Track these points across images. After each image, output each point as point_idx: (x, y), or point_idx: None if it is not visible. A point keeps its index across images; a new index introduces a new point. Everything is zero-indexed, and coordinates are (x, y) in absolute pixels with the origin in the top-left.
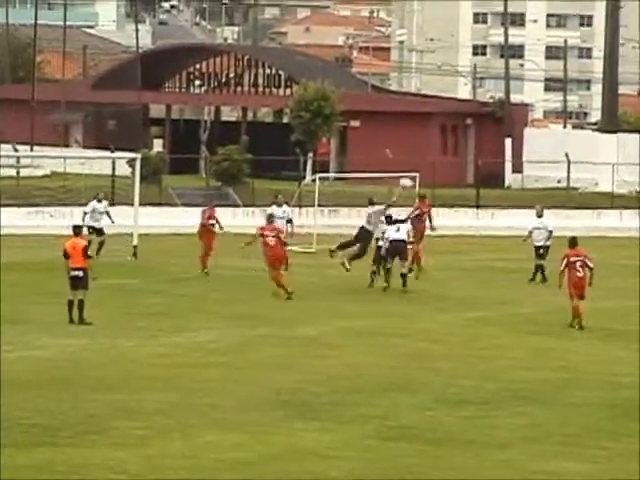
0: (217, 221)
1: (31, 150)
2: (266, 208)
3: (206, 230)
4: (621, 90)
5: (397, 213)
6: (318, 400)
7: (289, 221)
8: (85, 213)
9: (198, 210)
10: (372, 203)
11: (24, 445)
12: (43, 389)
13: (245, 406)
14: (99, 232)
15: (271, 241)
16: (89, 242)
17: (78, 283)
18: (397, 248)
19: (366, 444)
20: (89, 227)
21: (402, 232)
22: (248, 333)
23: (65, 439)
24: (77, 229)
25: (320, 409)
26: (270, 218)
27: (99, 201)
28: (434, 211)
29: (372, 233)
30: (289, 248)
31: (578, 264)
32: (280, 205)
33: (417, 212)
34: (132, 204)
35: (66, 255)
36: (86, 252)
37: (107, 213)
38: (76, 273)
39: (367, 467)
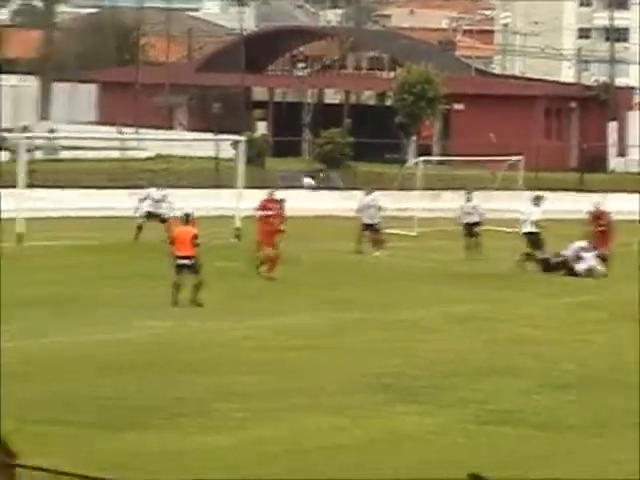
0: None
1: (136, 132)
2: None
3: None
4: None
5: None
6: (418, 384)
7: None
8: (142, 199)
9: (301, 192)
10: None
11: (118, 428)
12: (136, 372)
13: (345, 390)
14: (161, 219)
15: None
16: (139, 227)
17: (185, 270)
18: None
19: (467, 428)
20: (148, 213)
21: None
22: (348, 317)
23: (161, 421)
24: (187, 217)
25: (420, 393)
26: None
27: (158, 189)
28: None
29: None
30: (392, 231)
31: None
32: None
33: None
34: (235, 186)
35: (172, 241)
36: (195, 240)
37: (164, 199)
38: (183, 262)
39: (468, 451)
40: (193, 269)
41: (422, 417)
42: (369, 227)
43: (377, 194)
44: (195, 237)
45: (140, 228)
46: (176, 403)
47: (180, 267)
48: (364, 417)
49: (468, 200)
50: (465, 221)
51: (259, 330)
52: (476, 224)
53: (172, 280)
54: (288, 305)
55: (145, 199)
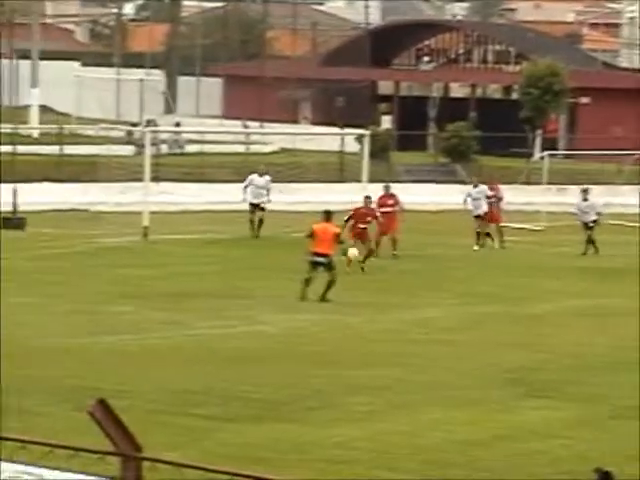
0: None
1: (261, 126)
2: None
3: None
4: None
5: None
6: (545, 378)
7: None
8: (245, 186)
9: (426, 186)
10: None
11: (249, 420)
12: (268, 364)
13: (471, 384)
14: (260, 208)
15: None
16: (251, 221)
17: (319, 268)
18: None
19: (594, 422)
20: (250, 203)
21: None
22: (474, 310)
23: (290, 414)
24: (328, 214)
25: (547, 387)
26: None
27: (260, 175)
28: None
29: None
30: (518, 225)
31: None
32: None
33: None
34: (360, 180)
35: (310, 236)
36: (338, 238)
37: (267, 190)
38: (319, 259)
39: (596, 446)
40: (328, 267)
41: (550, 411)
42: (477, 217)
43: (484, 187)
44: (338, 235)
45: (252, 222)
46: (305, 396)
47: (315, 264)
48: (490, 411)
49: (584, 199)
50: (582, 220)
51: (388, 324)
52: (594, 222)
53: (304, 275)
54: (417, 299)
55: (248, 186)
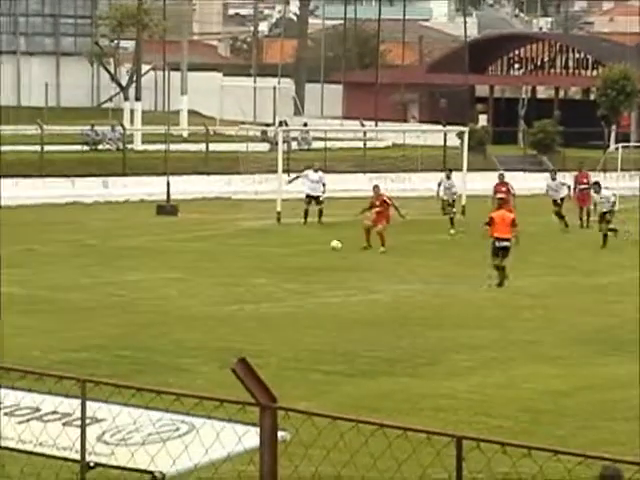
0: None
1: (375, 125)
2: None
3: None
4: None
5: None
6: (619, 338)
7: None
8: (297, 177)
9: (517, 175)
10: None
11: (368, 375)
12: (383, 327)
13: (557, 342)
14: (317, 200)
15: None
16: (306, 211)
17: (502, 253)
18: None
19: None
20: (307, 195)
21: None
22: (554, 280)
23: (403, 370)
24: (501, 200)
25: (622, 346)
26: None
27: (315, 171)
28: None
29: None
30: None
31: None
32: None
33: None
34: (461, 170)
35: (490, 223)
36: (514, 223)
37: (323, 184)
38: (503, 244)
39: None
40: (507, 251)
41: (627, 366)
42: (555, 203)
43: (559, 180)
44: (514, 220)
45: (307, 211)
46: (415, 354)
47: (498, 249)
48: (574, 365)
49: (553, 179)
50: (553, 197)
51: (485, 292)
52: (562, 199)
53: (491, 262)
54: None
55: (300, 177)
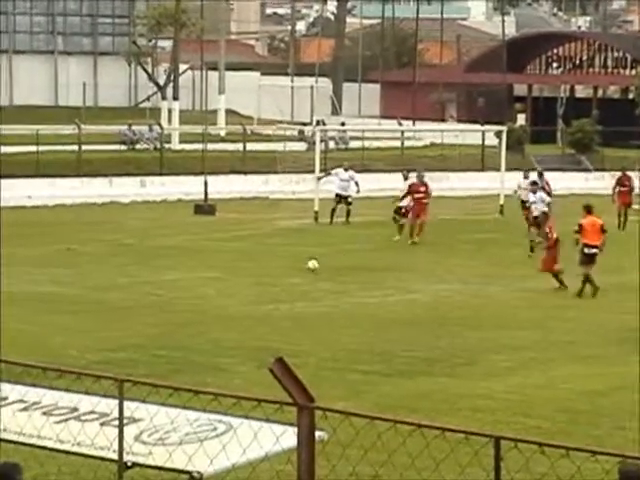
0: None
1: (413, 124)
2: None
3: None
4: None
5: None
6: None
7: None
8: (329, 174)
9: (555, 174)
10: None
11: (405, 375)
12: (421, 327)
13: (596, 342)
14: (346, 200)
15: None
16: (333, 210)
17: (591, 260)
18: None
19: None
20: (336, 194)
21: None
22: (597, 280)
23: (441, 370)
24: (589, 208)
25: None
26: None
27: (345, 170)
28: None
29: None
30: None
31: None
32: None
33: None
34: (499, 169)
35: (580, 231)
36: (603, 229)
37: (356, 183)
38: (593, 251)
39: None
40: (595, 258)
41: None
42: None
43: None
44: (602, 226)
45: (334, 210)
46: (453, 354)
47: (588, 256)
48: (613, 365)
49: (525, 177)
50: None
51: (523, 292)
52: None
53: (581, 271)
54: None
55: (330, 175)
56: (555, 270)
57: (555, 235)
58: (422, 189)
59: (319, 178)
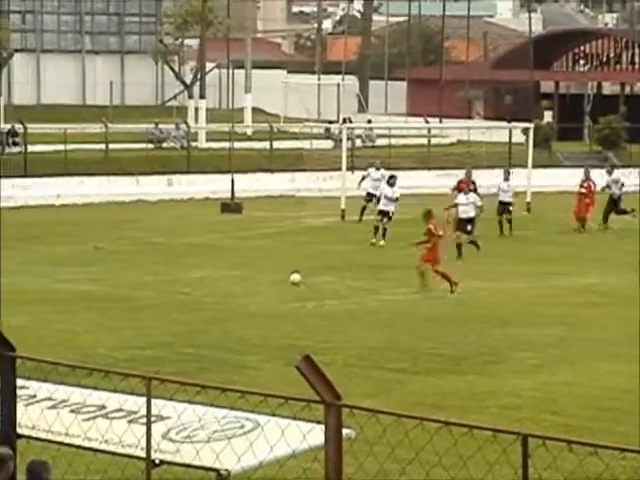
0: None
1: (440, 122)
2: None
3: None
4: None
5: None
6: None
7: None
8: (363, 177)
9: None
10: None
11: (432, 372)
12: (448, 324)
13: (622, 340)
14: (378, 199)
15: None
16: (363, 208)
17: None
18: None
19: None
20: (367, 193)
21: None
22: (622, 278)
23: (468, 367)
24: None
25: None
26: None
27: (377, 169)
28: None
29: None
30: None
31: None
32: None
33: None
34: (526, 166)
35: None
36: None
37: (382, 178)
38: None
39: None
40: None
41: None
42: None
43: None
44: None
45: (364, 208)
46: (481, 352)
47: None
48: (638, 362)
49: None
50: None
51: (550, 289)
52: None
53: None
54: (573, 267)
55: (365, 177)
56: (426, 268)
57: (441, 232)
58: (470, 186)
59: (359, 183)
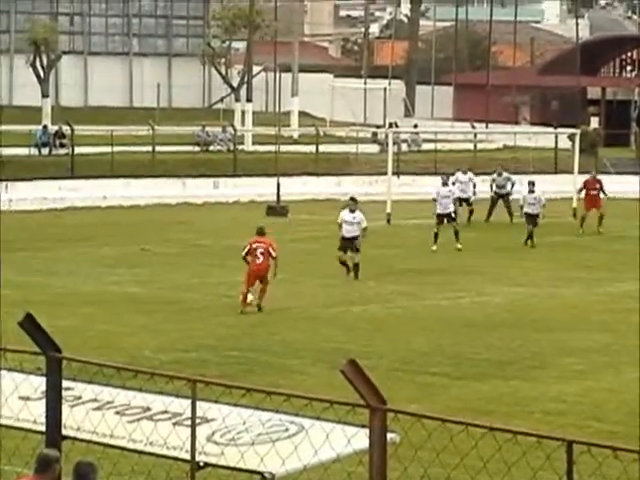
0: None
1: (486, 127)
2: None
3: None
4: None
5: None
6: None
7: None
8: (453, 183)
9: (629, 178)
10: None
11: (477, 377)
12: (493, 330)
13: None
14: (467, 202)
15: None
16: (455, 213)
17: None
18: None
19: None
20: (457, 198)
21: None
22: None
23: (513, 372)
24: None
25: None
26: None
27: (464, 173)
28: None
29: None
30: None
31: None
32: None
33: None
34: (572, 172)
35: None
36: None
37: (473, 184)
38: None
39: None
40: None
41: None
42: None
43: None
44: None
45: (456, 214)
46: (525, 357)
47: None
48: None
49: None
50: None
51: (595, 295)
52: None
53: None
54: (618, 274)
55: (454, 182)
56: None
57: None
58: (597, 185)
59: (444, 184)
